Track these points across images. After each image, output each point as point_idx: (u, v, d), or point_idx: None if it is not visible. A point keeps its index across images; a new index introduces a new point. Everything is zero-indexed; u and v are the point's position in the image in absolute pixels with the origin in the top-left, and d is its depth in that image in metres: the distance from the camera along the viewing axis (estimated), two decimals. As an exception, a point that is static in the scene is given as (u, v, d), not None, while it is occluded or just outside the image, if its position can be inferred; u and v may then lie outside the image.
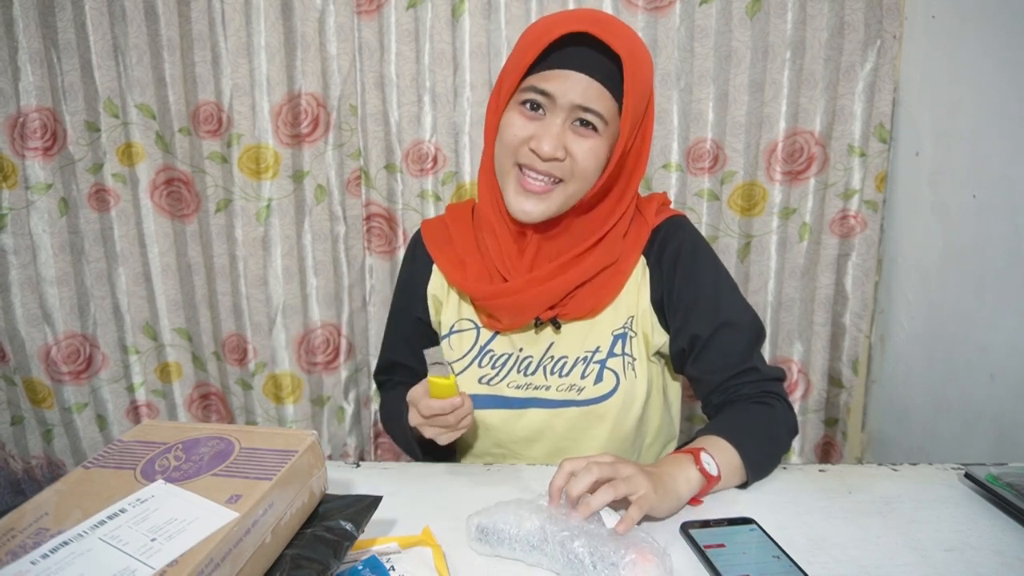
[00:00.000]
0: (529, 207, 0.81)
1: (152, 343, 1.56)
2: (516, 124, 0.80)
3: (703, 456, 0.73)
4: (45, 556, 0.46)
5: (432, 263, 0.96)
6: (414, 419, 0.81)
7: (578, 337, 0.89)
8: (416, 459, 0.93)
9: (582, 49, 0.77)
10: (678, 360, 0.90)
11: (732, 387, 0.85)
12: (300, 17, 1.36)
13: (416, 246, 1.00)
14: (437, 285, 0.96)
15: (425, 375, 0.87)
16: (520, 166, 0.81)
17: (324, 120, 1.42)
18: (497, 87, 0.86)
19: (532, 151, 0.79)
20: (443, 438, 0.81)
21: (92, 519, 0.50)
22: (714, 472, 0.72)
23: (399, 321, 1.03)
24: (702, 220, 1.45)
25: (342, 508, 0.60)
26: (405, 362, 1.01)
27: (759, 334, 0.88)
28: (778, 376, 0.87)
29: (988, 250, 1.16)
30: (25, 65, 1.33)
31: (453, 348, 0.93)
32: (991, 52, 1.14)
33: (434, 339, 1.00)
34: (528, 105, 0.80)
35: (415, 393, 0.80)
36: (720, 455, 0.74)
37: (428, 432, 0.81)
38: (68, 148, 1.41)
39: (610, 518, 0.63)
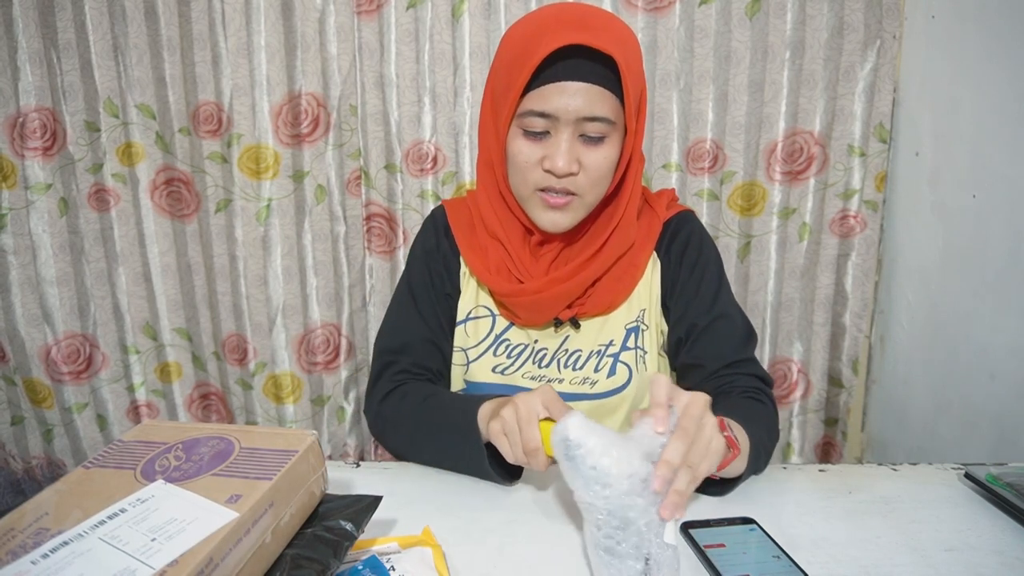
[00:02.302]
0: (558, 218, 0.82)
1: (152, 343, 1.56)
2: (525, 151, 0.79)
3: (727, 422, 0.68)
4: (45, 556, 0.46)
5: (458, 246, 0.94)
6: (524, 405, 0.67)
7: (592, 331, 0.90)
8: (485, 476, 0.75)
9: (575, 60, 0.74)
10: (674, 351, 0.91)
11: (727, 376, 0.85)
12: (300, 17, 1.36)
13: (440, 223, 0.96)
14: (464, 267, 0.94)
15: (445, 355, 0.87)
16: (540, 190, 0.81)
17: (324, 120, 1.42)
18: (490, 106, 0.84)
19: (547, 171, 0.78)
20: (502, 442, 0.69)
21: (92, 519, 0.50)
22: (734, 438, 0.67)
23: (422, 296, 0.92)
24: (702, 220, 1.45)
25: (342, 508, 0.60)
26: (436, 340, 0.90)
27: (752, 333, 0.89)
28: (769, 380, 0.87)
29: (988, 250, 1.16)
30: (25, 65, 1.33)
31: (469, 335, 0.92)
32: (991, 52, 1.14)
33: (453, 320, 0.94)
34: (532, 129, 0.78)
35: (553, 395, 0.68)
36: (737, 431, 0.70)
37: (504, 419, 0.68)
38: (68, 148, 1.41)
39: (670, 532, 0.58)
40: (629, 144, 0.82)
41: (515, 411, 0.67)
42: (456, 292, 0.94)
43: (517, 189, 0.83)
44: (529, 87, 0.76)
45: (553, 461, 0.65)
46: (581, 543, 0.64)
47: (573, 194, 0.80)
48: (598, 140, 0.78)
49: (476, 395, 0.80)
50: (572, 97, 0.75)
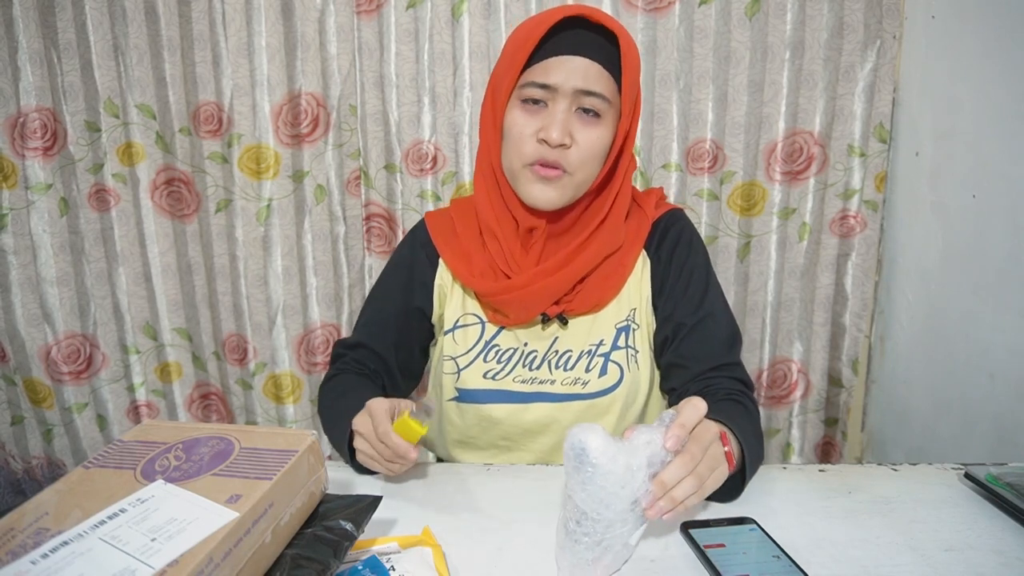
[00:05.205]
0: (547, 194, 0.82)
1: (152, 343, 1.56)
2: (520, 122, 0.81)
3: (729, 435, 0.69)
4: (45, 556, 0.46)
5: (438, 256, 0.94)
6: (363, 428, 0.73)
7: (582, 331, 0.90)
8: (345, 460, 0.82)
9: (577, 32, 0.78)
10: (659, 350, 0.91)
11: (712, 378, 0.84)
12: (300, 17, 1.36)
13: (420, 236, 0.97)
14: (444, 278, 0.95)
15: (386, 360, 0.90)
16: (531, 164, 0.81)
17: (324, 120, 1.42)
18: (492, 90, 0.86)
19: (541, 141, 0.79)
20: (372, 465, 0.75)
21: (92, 519, 0.50)
22: (733, 454, 0.68)
23: (387, 305, 0.96)
24: (702, 220, 1.45)
25: (342, 508, 0.60)
26: (376, 348, 0.94)
27: (738, 336, 0.89)
28: (751, 384, 0.87)
29: (988, 250, 1.16)
30: (25, 65, 1.33)
31: (458, 343, 0.92)
32: (991, 52, 1.14)
33: (429, 332, 0.98)
34: (530, 101, 0.80)
35: (377, 410, 0.72)
36: (735, 446, 0.70)
37: (361, 451, 0.74)
38: (68, 148, 1.41)
39: (637, 536, 0.61)
40: (622, 131, 0.83)
41: (364, 439, 0.73)
42: (428, 304, 0.95)
43: (510, 163, 0.83)
44: (530, 63, 0.79)
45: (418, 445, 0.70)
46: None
47: (564, 171, 0.81)
48: (593, 118, 0.80)
49: (360, 403, 0.79)
50: (572, 70, 0.78)
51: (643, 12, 1.35)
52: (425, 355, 1.00)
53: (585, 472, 0.56)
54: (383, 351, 0.94)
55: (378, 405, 0.72)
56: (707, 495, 0.63)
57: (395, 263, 0.99)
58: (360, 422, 0.74)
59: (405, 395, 0.99)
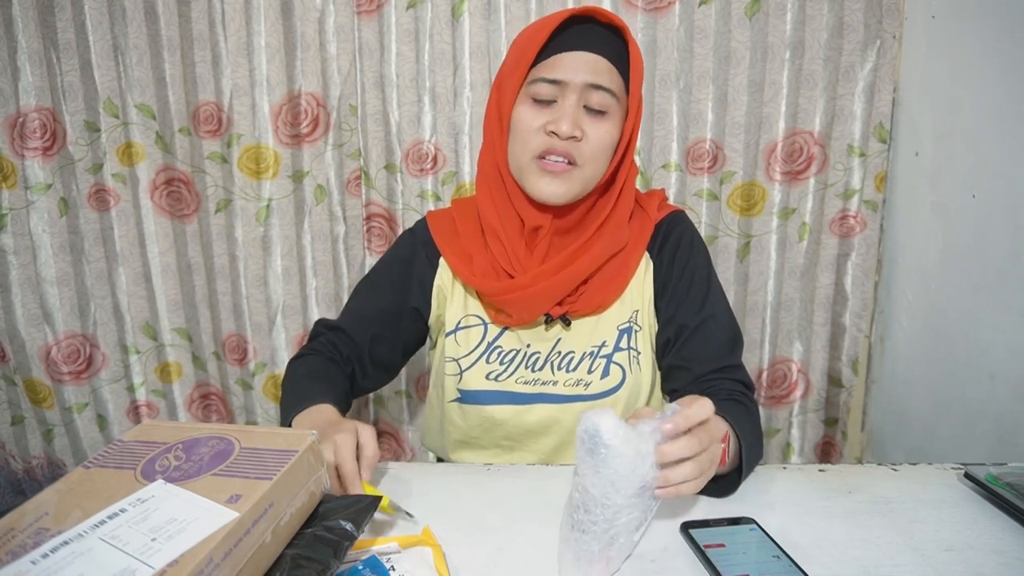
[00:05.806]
0: (554, 187, 0.81)
1: (152, 343, 1.56)
2: (528, 116, 0.81)
3: (729, 434, 0.70)
4: (45, 556, 0.46)
5: (439, 255, 0.94)
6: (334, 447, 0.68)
7: (585, 332, 0.90)
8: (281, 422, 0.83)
9: (585, 27, 0.79)
10: (662, 352, 0.91)
11: (714, 380, 0.85)
12: (300, 17, 1.36)
13: (420, 235, 0.96)
14: (443, 279, 0.94)
15: (359, 346, 0.90)
16: (539, 157, 0.81)
17: (324, 120, 1.42)
18: (498, 88, 0.86)
19: (551, 133, 0.80)
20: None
21: (92, 519, 0.50)
22: (727, 451, 0.70)
23: (376, 298, 0.95)
24: (702, 220, 1.45)
25: (342, 508, 0.60)
26: (354, 336, 0.92)
27: (739, 337, 0.89)
28: (752, 385, 0.87)
29: (988, 250, 1.16)
30: (25, 65, 1.33)
31: (460, 344, 0.92)
32: (991, 52, 1.14)
33: (422, 332, 0.98)
34: (539, 96, 0.81)
35: (345, 448, 0.68)
36: (732, 445, 0.72)
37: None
38: (68, 148, 1.41)
39: (641, 530, 0.63)
40: (628, 126, 0.83)
41: (342, 452, 0.68)
42: (425, 305, 0.95)
43: (516, 158, 0.83)
44: (538, 61, 0.80)
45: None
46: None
47: (573, 164, 0.81)
48: (600, 114, 0.81)
49: (310, 399, 0.79)
50: (581, 65, 0.79)
51: (643, 12, 1.35)
52: (407, 354, 1.00)
53: (599, 454, 0.56)
54: (360, 340, 0.93)
55: (352, 449, 0.68)
56: (701, 488, 0.64)
57: (392, 258, 0.98)
58: (339, 448, 0.68)
59: (376, 385, 1.00)
